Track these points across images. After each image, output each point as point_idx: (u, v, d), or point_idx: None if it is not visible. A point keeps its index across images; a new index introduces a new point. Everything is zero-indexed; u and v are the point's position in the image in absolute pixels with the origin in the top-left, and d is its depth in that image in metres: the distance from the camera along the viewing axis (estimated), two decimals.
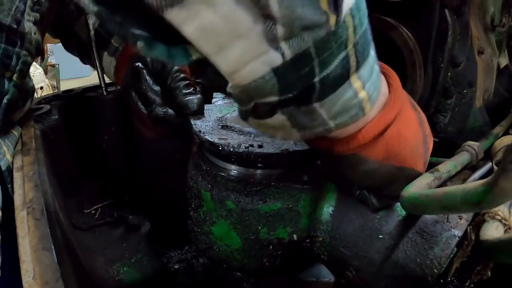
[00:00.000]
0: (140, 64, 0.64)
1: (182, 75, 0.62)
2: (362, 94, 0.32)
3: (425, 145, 0.40)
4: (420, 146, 0.39)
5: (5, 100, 0.52)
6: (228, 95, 0.31)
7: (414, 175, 0.39)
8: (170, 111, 0.61)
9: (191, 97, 0.59)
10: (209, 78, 0.31)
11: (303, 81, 0.28)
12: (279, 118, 0.31)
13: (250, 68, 0.26)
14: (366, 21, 0.29)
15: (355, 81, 0.30)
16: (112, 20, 0.25)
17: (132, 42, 0.26)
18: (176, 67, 0.62)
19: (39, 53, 0.60)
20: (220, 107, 0.60)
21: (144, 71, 0.64)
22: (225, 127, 0.52)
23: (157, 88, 0.64)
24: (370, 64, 0.31)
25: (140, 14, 0.25)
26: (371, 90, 0.32)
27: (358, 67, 0.30)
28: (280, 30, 0.24)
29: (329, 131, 0.33)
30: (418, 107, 0.41)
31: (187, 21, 0.24)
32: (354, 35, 0.28)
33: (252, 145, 0.46)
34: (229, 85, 0.30)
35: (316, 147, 0.40)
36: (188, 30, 0.24)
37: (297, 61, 0.26)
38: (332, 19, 0.25)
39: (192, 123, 0.53)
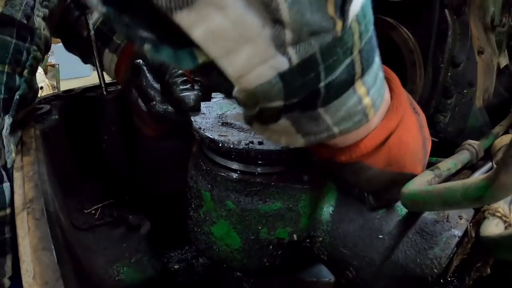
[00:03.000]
0: (140, 61, 0.64)
1: (179, 71, 0.62)
2: (366, 101, 0.32)
3: (424, 149, 0.41)
4: (420, 151, 0.40)
5: (17, 96, 0.52)
6: (233, 98, 0.32)
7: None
8: (170, 108, 0.61)
9: (187, 93, 0.59)
10: (214, 81, 0.31)
11: (308, 86, 0.28)
12: (283, 123, 0.31)
13: (257, 73, 0.26)
14: (371, 28, 0.29)
15: (359, 87, 0.30)
16: (120, 21, 0.25)
17: (139, 44, 0.26)
18: None
19: (47, 49, 0.60)
20: (221, 104, 0.60)
21: (145, 68, 0.64)
22: (225, 124, 0.52)
23: (157, 85, 0.64)
24: (374, 71, 0.31)
25: (147, 16, 0.25)
26: (375, 97, 0.32)
27: (363, 74, 0.30)
28: (288, 35, 0.24)
29: (333, 137, 0.33)
30: (419, 108, 0.42)
31: (196, 24, 0.23)
32: (360, 42, 0.28)
33: (252, 142, 0.46)
34: (235, 89, 0.29)
35: (318, 155, 0.40)
36: (197, 33, 0.24)
37: (304, 66, 0.26)
38: (339, 25, 0.25)
39: (192, 120, 0.53)
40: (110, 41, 0.70)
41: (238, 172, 0.47)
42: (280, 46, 0.25)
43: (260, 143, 0.46)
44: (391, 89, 0.37)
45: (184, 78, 0.61)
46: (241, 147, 0.45)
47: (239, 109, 0.58)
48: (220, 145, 0.46)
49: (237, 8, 0.23)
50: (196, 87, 0.63)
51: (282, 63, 0.26)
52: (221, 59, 0.26)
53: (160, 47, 0.26)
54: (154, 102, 0.62)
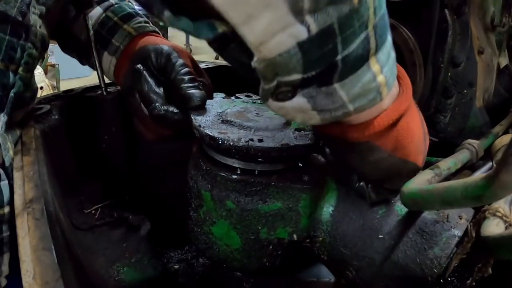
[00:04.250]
0: (141, 65, 0.64)
1: (186, 69, 0.61)
2: (380, 78, 0.32)
3: (425, 143, 0.42)
4: (422, 143, 0.41)
5: (11, 94, 0.51)
6: (248, 74, 0.32)
7: (415, 170, 0.41)
8: (171, 109, 0.60)
9: (195, 91, 0.58)
10: (231, 55, 0.32)
11: (326, 58, 0.28)
12: (299, 100, 0.32)
13: (276, 40, 0.27)
14: (384, 5, 0.30)
15: (374, 64, 0.31)
16: None
17: (158, 14, 0.27)
18: (180, 61, 0.62)
19: (45, 47, 0.59)
20: (221, 102, 0.60)
21: (145, 72, 0.63)
22: (225, 121, 0.52)
23: (159, 89, 0.63)
24: (387, 48, 0.32)
25: None
26: (388, 75, 0.33)
27: (377, 50, 0.30)
28: (306, 2, 0.25)
29: (348, 114, 0.33)
30: (417, 108, 0.42)
31: None
32: (374, 16, 0.28)
33: (252, 139, 0.46)
34: (255, 59, 0.30)
35: (330, 133, 0.40)
36: None
37: (322, 36, 0.27)
38: None
39: (192, 117, 0.53)
40: (109, 44, 0.69)
41: (238, 171, 0.47)
42: (299, 14, 0.26)
43: (260, 140, 0.46)
44: (398, 77, 0.38)
45: (191, 76, 0.61)
46: (241, 144, 0.45)
47: (239, 107, 0.58)
48: (220, 142, 0.46)
49: None
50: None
51: (301, 32, 0.27)
52: (242, 26, 0.26)
53: (178, 16, 0.27)
54: (155, 104, 0.61)
